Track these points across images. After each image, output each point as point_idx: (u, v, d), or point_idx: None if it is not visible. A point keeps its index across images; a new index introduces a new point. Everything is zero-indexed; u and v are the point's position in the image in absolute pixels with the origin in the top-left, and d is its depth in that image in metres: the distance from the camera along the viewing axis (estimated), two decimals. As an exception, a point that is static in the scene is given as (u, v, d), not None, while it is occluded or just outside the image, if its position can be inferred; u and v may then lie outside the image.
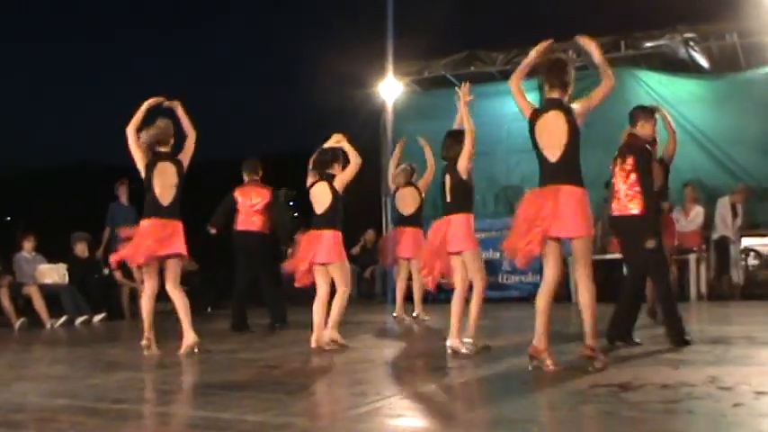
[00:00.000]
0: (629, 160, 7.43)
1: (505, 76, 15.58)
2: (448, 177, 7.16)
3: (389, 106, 16.33)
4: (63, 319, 11.90)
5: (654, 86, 14.87)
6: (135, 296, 13.14)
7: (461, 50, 15.99)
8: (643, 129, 7.65)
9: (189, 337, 7.61)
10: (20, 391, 5.74)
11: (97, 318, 12.19)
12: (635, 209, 7.25)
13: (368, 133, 17.24)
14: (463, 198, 7.13)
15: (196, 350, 7.59)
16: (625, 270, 8.18)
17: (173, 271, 7.68)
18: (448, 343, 6.97)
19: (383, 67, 15.90)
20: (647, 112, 7.84)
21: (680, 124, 14.61)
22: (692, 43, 14.47)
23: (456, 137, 7.26)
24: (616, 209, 7.40)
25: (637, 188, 7.28)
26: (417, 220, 10.49)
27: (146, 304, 7.73)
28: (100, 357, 7.82)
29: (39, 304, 11.78)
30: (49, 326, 11.68)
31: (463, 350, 6.82)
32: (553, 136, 5.99)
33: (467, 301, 7.03)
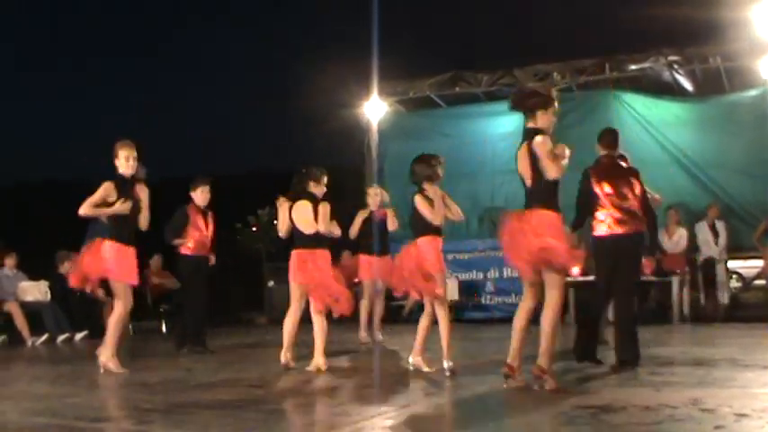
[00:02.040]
0: (635, 180, 7.50)
1: (490, 96, 15.69)
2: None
3: (374, 126, 16.33)
4: (44, 336, 11.83)
5: (638, 109, 14.94)
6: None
7: (447, 71, 16.03)
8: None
9: None
10: (-1, 410, 5.69)
11: (79, 336, 12.12)
12: (634, 228, 7.40)
13: (352, 153, 17.25)
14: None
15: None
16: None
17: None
18: (410, 360, 7.14)
19: (368, 87, 15.90)
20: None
21: (664, 147, 14.72)
22: (676, 66, 14.56)
23: (427, 161, 7.29)
24: (612, 228, 7.40)
25: (636, 207, 7.32)
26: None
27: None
28: (81, 375, 7.76)
29: (20, 321, 11.72)
30: (30, 343, 11.60)
31: (425, 368, 7.01)
32: (522, 164, 6.10)
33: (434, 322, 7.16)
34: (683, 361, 7.54)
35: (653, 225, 7.75)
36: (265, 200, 17.11)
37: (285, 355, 7.74)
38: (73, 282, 8.01)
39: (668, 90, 15.07)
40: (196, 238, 9.63)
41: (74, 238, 9.35)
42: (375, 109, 16.15)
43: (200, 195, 9.69)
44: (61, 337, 11.87)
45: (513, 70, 15.61)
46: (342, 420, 5.08)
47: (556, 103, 6.45)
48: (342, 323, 9.84)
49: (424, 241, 7.11)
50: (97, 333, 12.55)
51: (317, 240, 7.62)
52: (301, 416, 5.52)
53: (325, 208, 7.66)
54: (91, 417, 5.32)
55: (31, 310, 12.02)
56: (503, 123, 15.23)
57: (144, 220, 7.93)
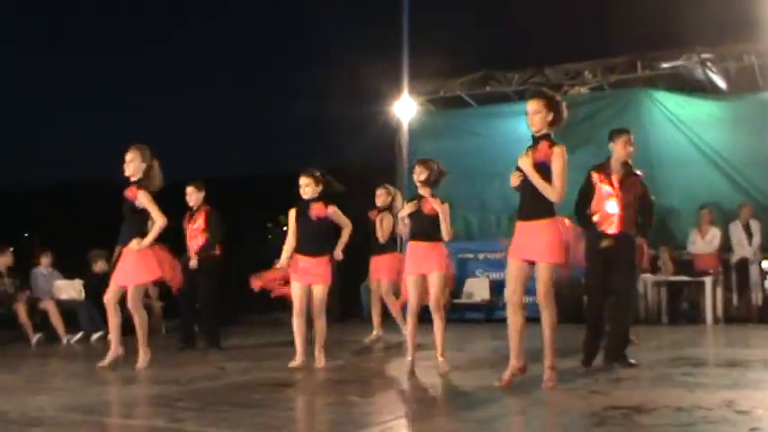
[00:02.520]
0: (636, 181, 7.62)
1: (521, 96, 15.65)
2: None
3: (405, 125, 16.34)
4: (79, 334, 11.94)
5: (670, 107, 14.83)
6: (150, 312, 13.17)
7: (477, 70, 16.01)
8: None
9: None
10: (37, 405, 5.76)
11: (95, 336, 12.20)
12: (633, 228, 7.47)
13: (383, 153, 17.25)
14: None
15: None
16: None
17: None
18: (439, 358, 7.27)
19: (398, 87, 15.92)
20: None
21: (697, 146, 14.59)
22: (709, 64, 14.45)
23: (424, 163, 7.45)
24: (615, 227, 7.41)
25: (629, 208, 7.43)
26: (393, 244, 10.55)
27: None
28: (115, 373, 7.84)
29: (55, 319, 11.82)
30: (65, 341, 11.71)
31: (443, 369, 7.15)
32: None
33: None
34: (717, 362, 7.50)
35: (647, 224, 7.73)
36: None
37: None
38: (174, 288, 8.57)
39: (701, 88, 14.94)
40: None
41: (107, 237, 9.43)
42: (406, 108, 16.16)
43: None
44: (96, 335, 11.96)
45: (544, 69, 15.57)
46: (371, 419, 5.10)
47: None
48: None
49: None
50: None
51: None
52: (331, 414, 5.53)
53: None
54: (125, 413, 5.39)
55: (67, 309, 12.14)
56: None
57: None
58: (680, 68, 14.72)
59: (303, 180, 7.83)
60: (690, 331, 11.35)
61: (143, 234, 7.93)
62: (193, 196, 10.01)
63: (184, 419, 5.17)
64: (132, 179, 7.97)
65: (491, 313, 13.97)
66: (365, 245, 10.40)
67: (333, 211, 7.91)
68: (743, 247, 13.33)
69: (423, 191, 7.38)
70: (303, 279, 7.80)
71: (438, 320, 7.24)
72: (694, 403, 5.19)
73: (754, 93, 14.67)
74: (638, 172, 7.74)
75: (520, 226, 6.21)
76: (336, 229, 8.12)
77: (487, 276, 14.29)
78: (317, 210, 7.82)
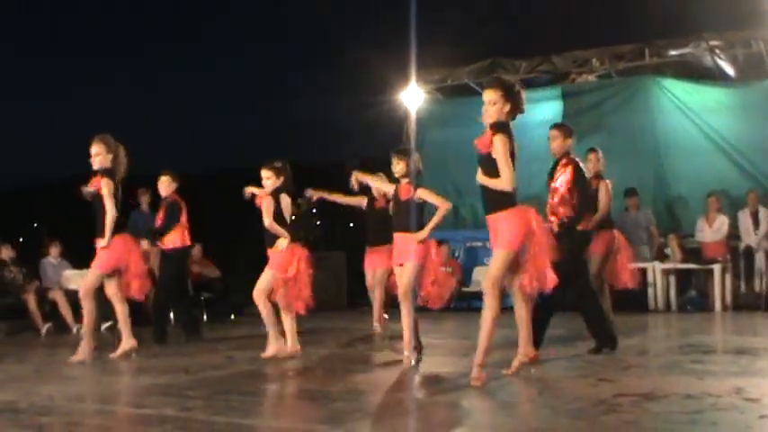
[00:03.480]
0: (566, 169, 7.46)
1: (529, 84, 15.62)
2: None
3: (413, 114, 16.31)
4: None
5: (678, 95, 14.78)
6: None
7: (485, 58, 15.97)
8: None
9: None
10: (47, 395, 5.78)
11: (104, 325, 12.24)
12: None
13: (391, 142, 17.22)
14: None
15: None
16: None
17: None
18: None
19: (406, 76, 15.89)
20: None
21: (705, 133, 14.54)
22: (717, 51, 14.38)
23: (400, 153, 7.35)
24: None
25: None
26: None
27: None
28: (124, 362, 7.86)
29: (64, 309, 11.86)
30: (74, 330, 11.74)
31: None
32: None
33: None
34: (726, 349, 7.50)
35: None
36: (304, 189, 17.18)
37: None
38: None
39: (709, 75, 14.88)
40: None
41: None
42: (413, 97, 16.13)
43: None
44: (105, 325, 11.98)
45: (552, 57, 15.53)
46: (380, 407, 5.11)
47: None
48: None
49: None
50: (141, 320, 12.73)
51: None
52: (344, 402, 5.54)
53: (267, 202, 7.82)
54: (134, 403, 5.40)
55: (75, 298, 12.17)
56: (542, 110, 15.14)
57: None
58: (688, 56, 14.66)
59: (264, 173, 7.93)
60: (698, 319, 11.33)
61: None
62: (163, 185, 9.89)
63: (194, 408, 5.19)
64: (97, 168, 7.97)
65: (507, 302, 13.95)
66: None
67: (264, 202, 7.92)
68: (749, 235, 13.29)
69: (402, 180, 7.30)
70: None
71: (405, 310, 7.04)
72: (704, 390, 5.19)
73: (763, 80, 14.58)
74: (571, 158, 7.49)
75: (488, 221, 5.96)
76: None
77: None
78: (285, 202, 7.97)
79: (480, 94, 6.19)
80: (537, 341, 6.79)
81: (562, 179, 7.37)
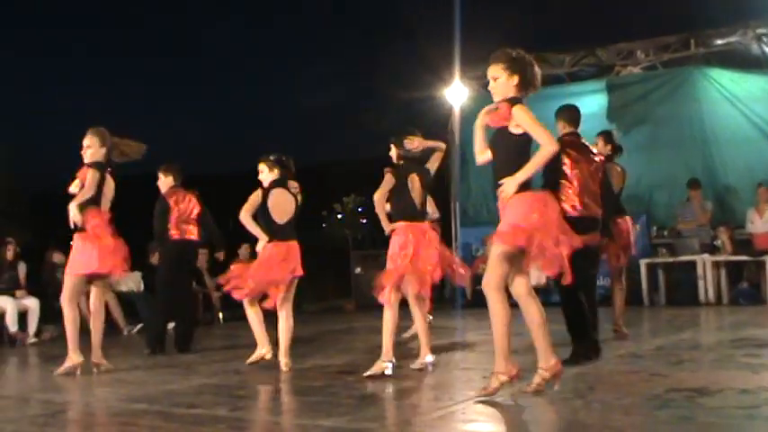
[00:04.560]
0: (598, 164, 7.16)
1: (573, 77, 15.52)
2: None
3: (457, 111, 16.28)
4: (139, 326, 12.12)
5: (725, 84, 14.58)
6: (208, 303, 13.34)
7: (528, 53, 15.85)
8: None
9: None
10: (101, 396, 5.87)
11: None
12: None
13: (435, 138, 17.20)
14: None
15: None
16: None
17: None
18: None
19: (450, 72, 15.87)
20: None
21: (753, 122, 14.33)
22: (764, 38, 14.17)
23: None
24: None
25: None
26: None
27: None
28: (175, 363, 7.94)
29: (116, 311, 12.02)
30: (125, 332, 11.91)
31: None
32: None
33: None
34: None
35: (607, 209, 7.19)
36: (350, 187, 17.22)
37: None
38: None
39: (757, 64, 14.63)
40: None
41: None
42: (458, 93, 16.10)
43: None
44: (134, 328, 12.19)
45: (596, 50, 15.41)
46: (433, 405, 5.12)
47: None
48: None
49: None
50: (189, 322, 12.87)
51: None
52: (391, 401, 5.55)
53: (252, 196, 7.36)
54: (186, 403, 5.44)
55: (126, 300, 12.34)
56: (587, 104, 14.98)
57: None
58: (734, 44, 14.45)
59: (259, 166, 7.51)
60: (751, 312, 11.17)
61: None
62: (160, 182, 9.45)
63: (245, 408, 5.23)
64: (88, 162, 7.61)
65: (548, 298, 13.88)
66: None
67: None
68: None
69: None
70: None
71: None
72: (759, 385, 5.12)
73: (812, 67, 14.36)
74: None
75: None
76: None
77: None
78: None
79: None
80: (581, 336, 6.65)
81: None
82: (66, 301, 7.49)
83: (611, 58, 15.41)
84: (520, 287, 5.17)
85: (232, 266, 7.96)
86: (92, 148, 7.61)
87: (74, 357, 7.40)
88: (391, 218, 6.72)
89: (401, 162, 6.87)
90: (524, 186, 5.15)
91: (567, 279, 5.08)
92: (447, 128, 16.56)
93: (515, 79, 5.34)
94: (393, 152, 6.93)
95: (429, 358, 6.63)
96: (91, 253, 7.42)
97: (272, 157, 7.50)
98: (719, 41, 14.48)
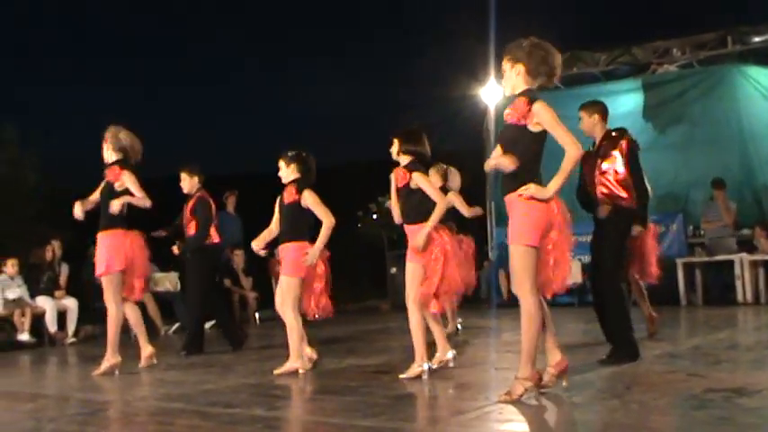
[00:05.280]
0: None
1: (609, 76, 15.43)
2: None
3: (492, 111, 16.25)
4: (176, 325, 12.22)
5: (762, 82, 14.39)
6: (244, 303, 13.41)
7: (563, 52, 15.78)
8: None
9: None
10: (139, 396, 5.93)
11: (208, 324, 12.46)
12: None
13: (470, 139, 17.18)
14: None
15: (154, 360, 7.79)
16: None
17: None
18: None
19: (485, 72, 15.83)
20: None
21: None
22: (802, 36, 14.00)
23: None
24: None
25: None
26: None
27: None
28: (212, 363, 8.00)
29: (153, 311, 12.11)
30: (162, 332, 12.01)
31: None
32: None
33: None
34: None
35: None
36: (386, 187, 17.21)
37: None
38: None
39: (795, 61, 14.49)
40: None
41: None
42: (492, 93, 16.06)
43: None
44: (209, 324, 12.28)
45: (632, 48, 15.31)
46: (468, 405, 5.12)
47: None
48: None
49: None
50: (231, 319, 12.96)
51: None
52: (428, 400, 5.56)
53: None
54: (223, 403, 5.49)
55: (163, 300, 12.44)
56: (623, 102, 14.95)
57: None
58: (773, 42, 14.28)
59: (279, 163, 7.34)
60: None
61: (122, 219, 7.60)
62: (186, 182, 9.34)
63: (282, 407, 5.26)
64: (111, 160, 7.68)
65: (584, 298, 13.81)
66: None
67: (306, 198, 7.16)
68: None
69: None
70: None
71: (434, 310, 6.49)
72: (798, 385, 5.07)
73: None
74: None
75: (506, 203, 5.16)
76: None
77: (579, 260, 14.13)
78: (288, 194, 7.23)
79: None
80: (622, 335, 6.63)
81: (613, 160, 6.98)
82: (107, 300, 7.56)
83: (647, 57, 15.29)
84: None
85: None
86: (111, 146, 7.68)
87: (112, 358, 7.48)
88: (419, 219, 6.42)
89: (408, 158, 6.55)
90: (531, 183, 4.98)
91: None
92: (482, 126, 16.55)
93: (519, 68, 5.14)
94: (395, 148, 6.61)
95: (450, 354, 6.62)
96: (118, 250, 7.49)
97: (289, 153, 7.34)
98: (757, 39, 14.31)
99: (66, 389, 7.09)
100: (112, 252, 7.48)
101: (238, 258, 13.46)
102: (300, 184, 7.20)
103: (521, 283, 4.97)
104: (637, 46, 15.29)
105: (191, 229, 9.19)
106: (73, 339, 11.40)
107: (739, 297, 12.61)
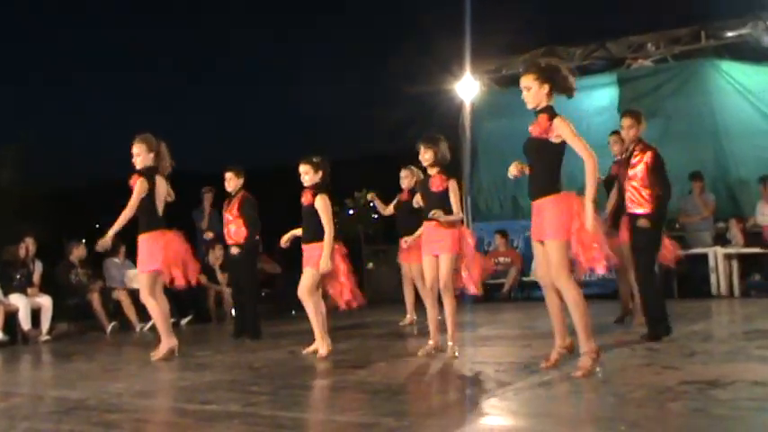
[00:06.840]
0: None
1: (584, 71, 15.48)
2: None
3: (467, 105, 16.27)
4: (151, 322, 12.15)
5: (736, 77, 14.50)
6: (220, 299, 13.37)
7: (539, 47, 15.84)
8: None
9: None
10: (114, 392, 5.89)
11: (184, 321, 12.44)
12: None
13: (446, 133, 17.17)
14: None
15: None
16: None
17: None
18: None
19: (461, 66, 15.84)
20: None
21: (764, 114, 14.27)
22: (776, 30, 14.08)
23: (429, 142, 7.43)
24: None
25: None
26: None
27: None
28: (188, 359, 7.96)
29: (128, 308, 12.06)
30: (138, 329, 11.95)
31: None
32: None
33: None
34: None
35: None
36: (361, 183, 17.20)
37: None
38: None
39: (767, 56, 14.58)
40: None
41: (177, 226, 9.57)
42: (468, 88, 16.07)
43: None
44: (185, 320, 12.26)
45: (606, 43, 15.36)
46: (444, 399, 5.12)
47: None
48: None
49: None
50: (202, 318, 12.91)
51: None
52: (406, 396, 5.56)
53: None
54: (200, 399, 5.47)
55: (139, 297, 12.37)
56: (598, 97, 15.04)
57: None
58: (745, 37, 14.34)
59: (302, 167, 7.71)
60: (763, 304, 11.14)
61: (150, 222, 7.95)
62: (231, 182, 9.83)
63: (259, 404, 5.25)
64: (139, 167, 8.01)
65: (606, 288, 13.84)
66: None
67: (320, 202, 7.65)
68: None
69: (430, 170, 7.36)
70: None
71: (447, 302, 7.12)
72: (771, 377, 5.11)
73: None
74: (647, 144, 7.84)
75: (533, 206, 5.91)
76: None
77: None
78: (306, 197, 7.69)
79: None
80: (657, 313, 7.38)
81: (642, 166, 7.55)
82: (144, 298, 8.06)
83: (621, 52, 15.36)
84: (548, 277, 5.80)
85: None
86: (141, 155, 7.98)
87: (168, 342, 7.92)
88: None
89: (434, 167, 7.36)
90: (555, 187, 5.75)
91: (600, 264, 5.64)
92: (458, 122, 16.55)
93: (546, 87, 5.88)
94: (429, 155, 7.32)
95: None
96: (155, 251, 7.86)
97: (316, 159, 7.73)
98: (730, 34, 14.40)
99: (40, 387, 7.03)
100: (150, 252, 7.88)
101: (214, 255, 13.42)
102: (317, 189, 7.65)
103: (559, 272, 5.63)
104: (611, 41, 15.34)
105: (236, 227, 9.74)
106: (47, 337, 11.31)
107: (713, 290, 12.71)
